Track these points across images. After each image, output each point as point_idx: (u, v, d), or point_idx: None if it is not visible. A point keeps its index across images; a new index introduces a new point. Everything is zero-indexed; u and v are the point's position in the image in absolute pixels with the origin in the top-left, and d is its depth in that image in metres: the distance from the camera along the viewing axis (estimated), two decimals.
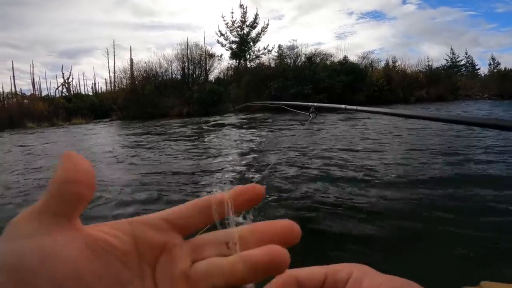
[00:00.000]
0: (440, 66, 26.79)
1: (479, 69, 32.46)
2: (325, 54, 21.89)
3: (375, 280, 0.20)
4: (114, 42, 32.22)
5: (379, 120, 8.89)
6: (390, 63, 23.38)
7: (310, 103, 1.46)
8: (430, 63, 25.02)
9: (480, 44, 46.67)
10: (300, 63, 20.88)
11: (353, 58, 22.82)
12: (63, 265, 0.14)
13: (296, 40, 24.98)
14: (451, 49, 32.54)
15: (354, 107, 1.38)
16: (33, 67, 31.19)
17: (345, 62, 21.11)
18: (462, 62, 32.46)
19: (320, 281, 0.22)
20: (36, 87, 30.63)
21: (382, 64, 23.40)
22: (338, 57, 22.30)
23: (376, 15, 50.70)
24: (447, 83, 21.28)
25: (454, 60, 32.12)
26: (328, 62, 21.27)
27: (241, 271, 0.16)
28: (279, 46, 23.61)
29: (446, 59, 32.00)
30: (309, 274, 0.22)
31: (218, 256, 0.17)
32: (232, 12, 25.04)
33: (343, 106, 1.36)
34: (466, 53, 32.50)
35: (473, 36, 46.92)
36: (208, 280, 0.17)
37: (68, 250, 0.15)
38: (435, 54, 53.63)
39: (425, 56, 35.05)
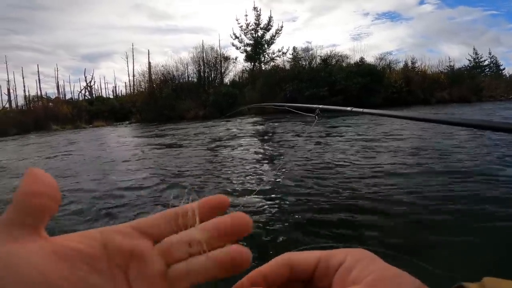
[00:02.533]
0: (462, 67, 25.90)
1: (504, 69, 31.09)
2: (340, 55, 21.67)
3: (367, 268, 0.19)
4: (133, 46, 33.35)
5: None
6: (409, 64, 22.78)
7: (315, 106, 1.47)
8: (451, 64, 24.23)
9: (502, 44, 44.64)
10: (315, 65, 20.74)
11: (369, 59, 22.45)
12: (29, 269, 0.15)
13: (310, 42, 24.87)
14: (474, 49, 31.35)
15: (360, 110, 1.38)
16: (57, 70, 32.75)
17: (361, 63, 20.78)
18: (486, 62, 31.19)
19: (312, 266, 0.21)
20: (60, 91, 32.14)
21: (401, 65, 22.85)
22: (354, 58, 22.01)
23: (392, 16, 49.63)
24: (470, 84, 20.51)
25: (477, 60, 30.88)
26: (344, 64, 21.01)
27: (212, 269, 0.18)
28: (294, 48, 23.59)
29: (469, 60, 30.86)
30: (303, 258, 0.22)
31: (188, 257, 0.19)
32: (246, 15, 25.22)
33: (348, 108, 1.36)
34: (490, 53, 31.23)
35: (494, 36, 44.94)
36: (188, 279, 0.18)
37: (35, 255, 0.16)
38: (455, 54, 51.87)
39: (444, 56, 34.01)
